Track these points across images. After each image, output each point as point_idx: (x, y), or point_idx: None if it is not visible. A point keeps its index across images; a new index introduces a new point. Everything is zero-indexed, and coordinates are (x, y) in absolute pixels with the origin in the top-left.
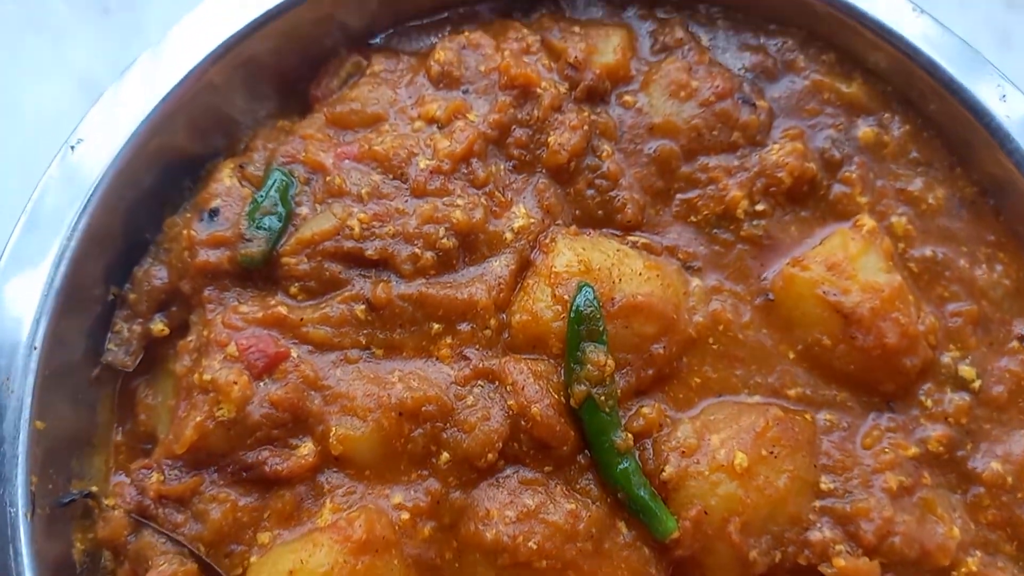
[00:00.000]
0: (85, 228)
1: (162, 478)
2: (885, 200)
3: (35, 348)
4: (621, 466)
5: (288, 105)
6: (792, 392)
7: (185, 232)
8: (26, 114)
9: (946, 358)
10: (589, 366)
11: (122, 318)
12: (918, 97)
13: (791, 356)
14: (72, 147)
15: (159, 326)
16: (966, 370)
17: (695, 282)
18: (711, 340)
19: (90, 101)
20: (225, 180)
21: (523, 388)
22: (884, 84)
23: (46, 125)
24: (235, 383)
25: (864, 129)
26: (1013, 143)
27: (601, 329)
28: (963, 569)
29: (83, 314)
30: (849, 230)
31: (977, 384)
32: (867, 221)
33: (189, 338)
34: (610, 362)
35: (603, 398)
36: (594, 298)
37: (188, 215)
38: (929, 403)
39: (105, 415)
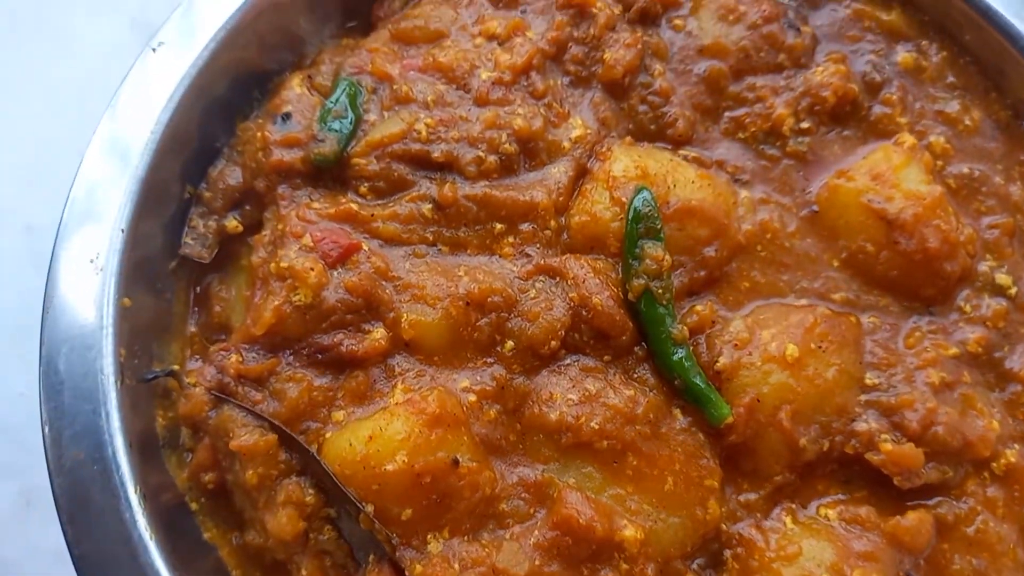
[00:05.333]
0: (165, 125)
1: (240, 359)
2: (924, 121)
3: (122, 231)
4: (677, 355)
5: (351, 25)
6: (837, 296)
7: (260, 133)
8: (80, 51)
9: (983, 267)
10: (648, 261)
11: (198, 215)
12: (954, 26)
13: (835, 264)
14: (154, 49)
15: (233, 223)
16: (1003, 278)
17: (743, 193)
18: (759, 247)
19: (142, 41)
20: (295, 88)
21: (584, 281)
22: (922, 14)
23: (100, 63)
24: (312, 269)
25: (903, 55)
26: None
27: (659, 227)
28: (1002, 460)
29: (162, 209)
30: (891, 146)
31: (1013, 291)
32: (908, 138)
33: (264, 232)
34: (667, 257)
35: (660, 291)
36: (652, 198)
37: (261, 120)
38: (968, 308)
39: (180, 307)
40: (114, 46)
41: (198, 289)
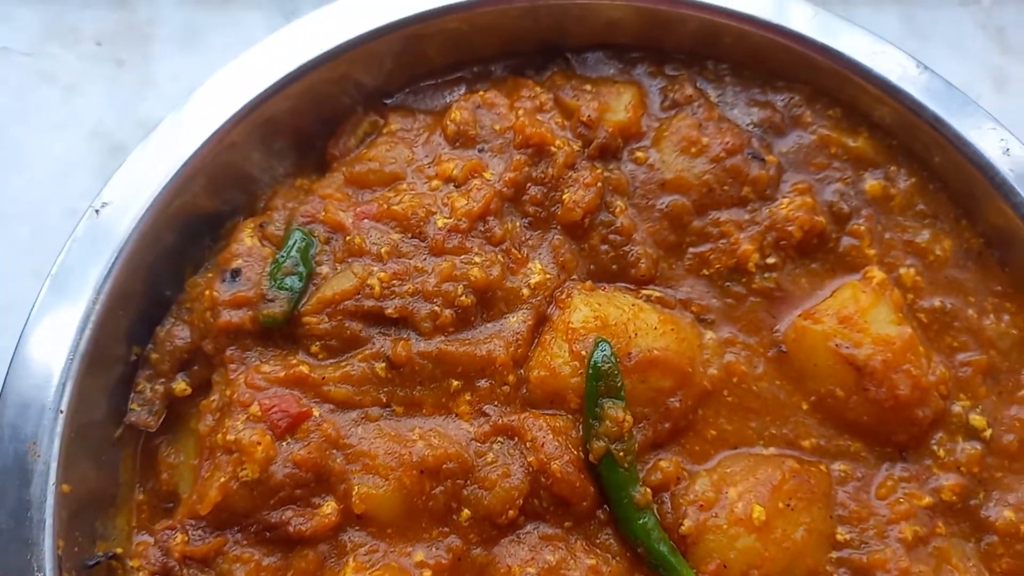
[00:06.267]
0: (110, 289)
1: (186, 539)
2: (893, 252)
3: (61, 412)
4: (640, 521)
5: (305, 162)
6: (807, 443)
7: (208, 292)
8: (35, 166)
9: (957, 407)
10: (608, 422)
11: (144, 378)
12: (923, 150)
13: (804, 407)
14: (97, 210)
15: (181, 385)
16: (977, 419)
17: (709, 335)
18: (726, 392)
19: (100, 153)
20: (246, 240)
21: (543, 445)
22: (890, 138)
23: (56, 177)
24: (259, 444)
25: (871, 182)
26: (1018, 196)
27: (619, 385)
28: None
29: (106, 374)
30: (859, 282)
31: (988, 433)
32: (876, 273)
33: (212, 397)
34: (628, 418)
35: (622, 454)
36: (612, 354)
37: (210, 275)
38: (941, 452)
39: (127, 474)
40: (71, 160)
41: (143, 454)
